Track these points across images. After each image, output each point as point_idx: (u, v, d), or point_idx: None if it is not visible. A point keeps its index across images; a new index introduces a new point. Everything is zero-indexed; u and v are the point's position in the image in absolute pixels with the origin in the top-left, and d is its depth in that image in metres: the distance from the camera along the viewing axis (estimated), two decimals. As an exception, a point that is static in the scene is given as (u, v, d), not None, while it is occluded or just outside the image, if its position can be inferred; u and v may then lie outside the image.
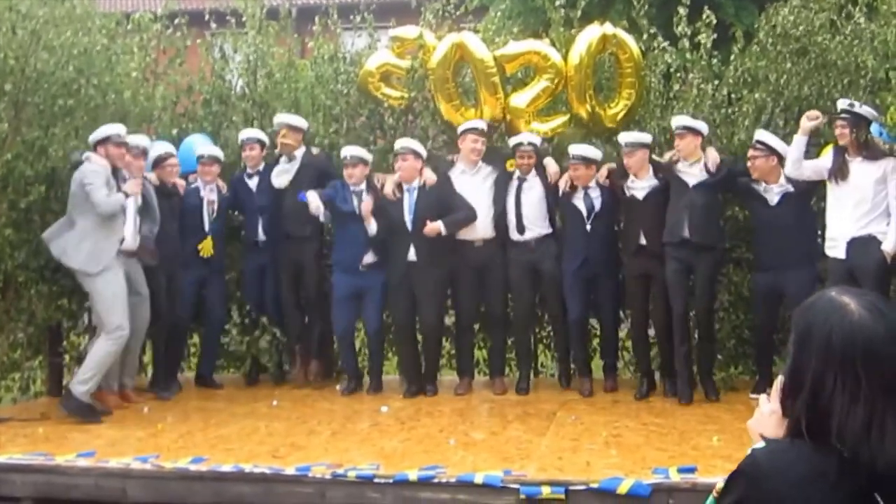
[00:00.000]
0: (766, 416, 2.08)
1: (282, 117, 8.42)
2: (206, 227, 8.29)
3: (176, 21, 9.34)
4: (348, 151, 8.11)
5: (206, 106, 9.28)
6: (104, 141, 7.32)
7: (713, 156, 7.38)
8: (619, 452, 5.95)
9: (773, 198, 7.26)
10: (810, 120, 6.87)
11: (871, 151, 6.81)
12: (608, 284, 7.83)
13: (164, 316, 8.03)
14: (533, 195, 7.87)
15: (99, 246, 7.13)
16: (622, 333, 8.40)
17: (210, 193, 8.34)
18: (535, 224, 7.87)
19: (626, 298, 7.83)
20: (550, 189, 7.85)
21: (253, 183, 8.49)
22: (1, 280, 7.88)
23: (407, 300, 8.02)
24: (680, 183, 7.36)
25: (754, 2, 10.51)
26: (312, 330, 8.56)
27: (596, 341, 8.38)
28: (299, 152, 8.32)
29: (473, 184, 7.96)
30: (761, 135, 7.33)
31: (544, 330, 8.74)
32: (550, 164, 7.90)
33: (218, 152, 8.46)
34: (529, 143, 7.85)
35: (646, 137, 7.67)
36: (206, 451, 6.13)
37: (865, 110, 6.90)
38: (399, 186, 7.96)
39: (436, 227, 7.74)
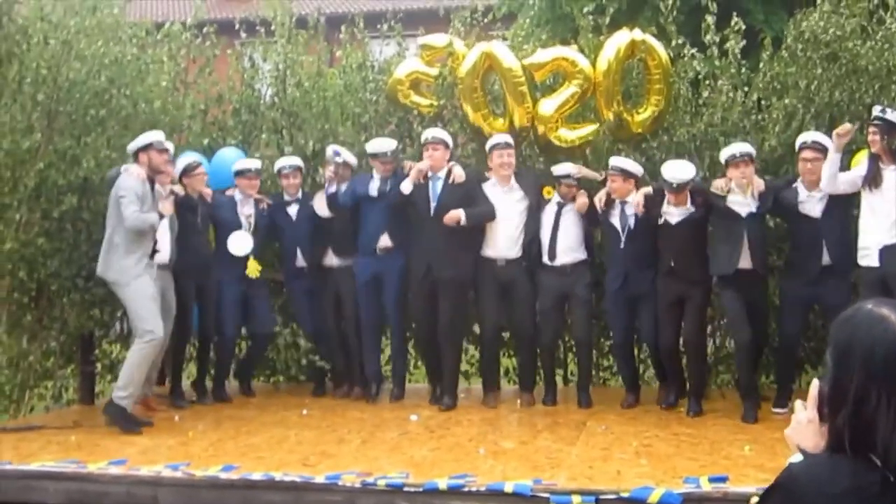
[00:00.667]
0: (803, 425, 2.05)
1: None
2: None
3: (205, 30, 9.40)
4: (377, 147, 8.14)
5: (236, 115, 9.33)
6: (146, 148, 7.31)
7: (759, 183, 7.26)
8: (649, 462, 5.92)
9: (816, 207, 7.14)
10: (841, 136, 6.75)
11: None
12: (651, 305, 7.65)
13: (189, 329, 8.07)
14: (571, 220, 7.82)
15: (130, 256, 7.14)
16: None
17: (248, 208, 8.30)
18: (571, 250, 7.82)
19: (659, 318, 7.59)
20: (585, 215, 7.82)
21: (293, 211, 8.47)
22: (34, 289, 7.97)
23: (426, 293, 8.01)
24: (730, 214, 7.22)
25: (783, 8, 10.45)
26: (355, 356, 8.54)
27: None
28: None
29: (505, 202, 7.92)
30: (817, 136, 7.21)
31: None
32: (579, 195, 7.84)
33: (259, 164, 8.45)
34: (570, 176, 7.82)
35: (691, 172, 7.42)
36: (237, 459, 6.15)
37: None
38: (424, 175, 7.94)
39: (457, 214, 7.71)
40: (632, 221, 7.61)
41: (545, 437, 6.75)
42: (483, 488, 5.34)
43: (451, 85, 8.64)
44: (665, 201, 7.42)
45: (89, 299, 8.10)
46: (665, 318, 7.53)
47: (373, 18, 9.92)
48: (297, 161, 8.53)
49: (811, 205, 7.16)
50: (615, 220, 7.68)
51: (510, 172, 7.93)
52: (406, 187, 7.87)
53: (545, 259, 7.84)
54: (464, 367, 8.89)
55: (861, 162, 7.00)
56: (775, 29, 9.93)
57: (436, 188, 7.94)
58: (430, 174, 7.94)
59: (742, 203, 7.22)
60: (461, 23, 9.40)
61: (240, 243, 8.15)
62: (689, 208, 7.40)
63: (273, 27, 9.47)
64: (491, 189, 7.97)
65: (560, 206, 7.84)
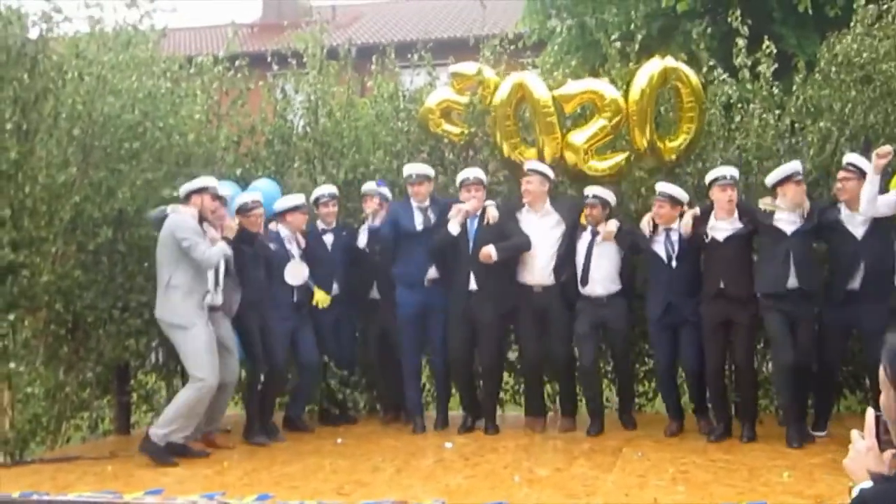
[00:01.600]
0: (862, 454, 2.05)
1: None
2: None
3: (237, 63, 9.49)
4: (413, 169, 8.19)
5: (269, 146, 9.39)
6: (200, 191, 7.33)
7: (807, 204, 7.23)
8: (686, 489, 5.86)
9: (858, 229, 7.08)
10: (881, 157, 6.71)
11: None
12: (694, 332, 7.57)
13: (260, 364, 7.93)
14: (605, 249, 7.78)
15: (190, 298, 7.14)
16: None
17: (294, 244, 8.23)
18: (606, 279, 7.78)
19: (705, 344, 7.51)
20: (626, 243, 7.77)
21: (328, 239, 8.48)
22: (70, 320, 8.03)
23: (466, 332, 8.00)
24: (776, 231, 7.16)
25: (816, 31, 10.41)
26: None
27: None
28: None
29: (539, 226, 7.92)
30: (852, 157, 7.17)
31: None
32: (610, 223, 7.79)
33: (303, 199, 8.37)
34: (595, 196, 7.82)
35: (681, 194, 7.54)
36: (272, 488, 6.14)
37: None
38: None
39: (487, 251, 7.72)
40: (677, 247, 7.55)
41: (581, 463, 6.70)
42: (519, 516, 5.32)
43: (481, 113, 8.67)
44: (712, 215, 7.38)
45: (125, 330, 8.16)
46: (711, 342, 7.44)
47: (403, 48, 9.98)
48: (334, 190, 8.56)
49: (853, 225, 7.10)
50: (659, 248, 7.60)
51: (531, 199, 7.91)
52: (454, 229, 7.88)
53: (580, 287, 7.82)
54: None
55: None
56: (807, 52, 9.88)
57: (471, 228, 7.96)
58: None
59: (788, 221, 7.16)
60: (490, 51, 9.44)
61: (296, 272, 8.11)
62: (736, 221, 7.35)
63: (305, 59, 9.54)
64: (525, 216, 7.98)
65: (594, 235, 7.80)
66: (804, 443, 6.98)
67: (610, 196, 7.87)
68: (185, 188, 7.39)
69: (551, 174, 8.02)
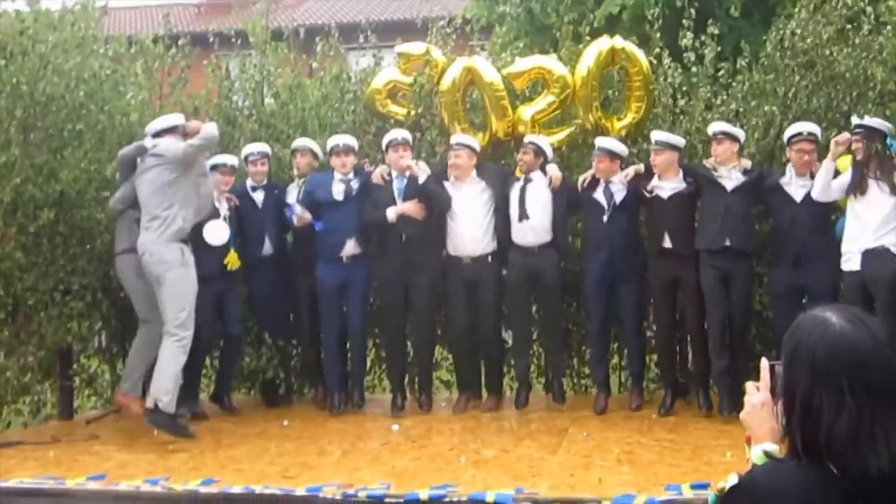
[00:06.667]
0: (757, 408, 2.09)
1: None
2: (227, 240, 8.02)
3: (180, 42, 9.37)
4: (337, 139, 8.13)
5: (214, 127, 9.28)
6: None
7: (746, 162, 7.37)
8: (631, 469, 5.90)
9: (798, 191, 7.16)
10: (839, 144, 6.83)
11: (887, 165, 6.77)
12: (633, 289, 7.65)
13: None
14: (538, 196, 7.74)
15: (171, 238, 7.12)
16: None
17: (224, 205, 8.13)
18: (539, 228, 7.73)
19: (653, 305, 7.65)
20: (556, 194, 7.76)
21: (258, 197, 8.36)
22: (10, 304, 7.90)
23: (399, 300, 8.01)
24: (717, 187, 7.26)
25: (761, 22, 10.50)
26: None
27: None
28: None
29: (466, 195, 7.88)
30: (808, 126, 7.23)
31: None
32: (553, 170, 7.80)
33: (235, 161, 8.31)
34: (530, 143, 7.83)
35: (678, 140, 7.59)
36: (217, 472, 6.10)
37: (879, 123, 6.88)
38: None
39: (411, 204, 7.82)
40: (618, 197, 7.59)
41: (526, 444, 6.73)
42: (465, 498, 5.32)
43: (428, 93, 8.65)
44: (655, 176, 7.45)
45: (67, 313, 8.04)
46: (660, 301, 7.52)
47: (349, 30, 9.91)
48: (264, 148, 8.48)
49: (794, 188, 7.20)
50: (599, 197, 7.64)
51: (459, 173, 7.88)
52: (391, 215, 7.84)
53: (516, 233, 7.77)
54: (445, 376, 8.88)
55: (850, 168, 7.02)
56: (752, 43, 9.96)
57: (402, 185, 7.96)
58: (393, 174, 7.99)
59: (728, 178, 7.26)
60: (439, 34, 9.41)
61: (217, 232, 7.93)
62: (680, 182, 7.42)
63: (251, 39, 9.45)
64: (452, 186, 7.94)
65: (525, 181, 7.79)
66: (734, 411, 7.00)
67: (620, 147, 7.81)
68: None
69: (478, 147, 8.04)
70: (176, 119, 7.45)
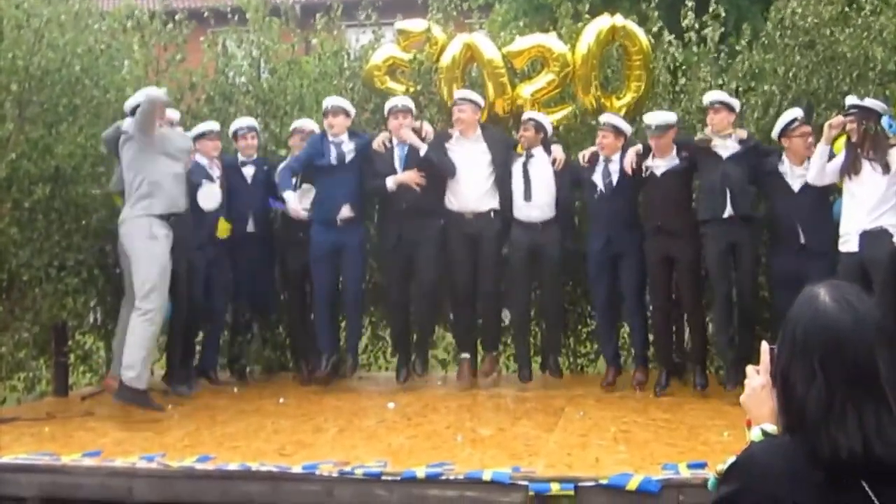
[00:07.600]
0: (757, 391, 2.09)
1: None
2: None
3: (176, 17, 9.30)
4: (330, 101, 8.08)
5: (210, 103, 9.23)
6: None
7: (742, 132, 7.36)
8: (627, 448, 5.90)
9: (796, 181, 7.15)
10: (833, 127, 6.79)
11: (881, 145, 6.74)
12: (633, 267, 7.63)
13: (184, 302, 7.71)
14: (541, 172, 7.75)
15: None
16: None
17: (216, 171, 8.05)
18: (543, 203, 7.74)
19: (649, 284, 7.65)
20: (558, 173, 7.76)
21: (248, 171, 8.30)
22: (5, 279, 7.87)
23: (400, 262, 7.98)
24: (713, 157, 7.24)
25: (762, 0, 10.44)
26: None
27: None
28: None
29: (470, 152, 7.86)
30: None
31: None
32: (557, 150, 7.82)
33: (218, 127, 8.25)
34: (530, 119, 7.81)
35: (672, 117, 7.55)
36: (213, 449, 6.09)
37: (874, 103, 6.84)
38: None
39: (410, 173, 7.79)
40: (615, 177, 7.58)
41: (523, 423, 6.72)
42: (461, 476, 5.31)
43: (427, 70, 8.60)
44: (651, 155, 7.43)
45: (62, 289, 7.99)
46: (656, 278, 7.52)
47: (349, 6, 9.84)
48: (252, 122, 8.44)
49: (792, 178, 7.18)
50: (597, 177, 7.64)
51: (463, 127, 7.87)
52: (391, 184, 7.81)
53: (519, 209, 7.77)
54: (441, 355, 8.86)
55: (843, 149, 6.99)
56: (752, 20, 9.91)
57: (402, 153, 7.93)
58: (394, 142, 7.95)
59: (723, 147, 7.26)
60: (439, 11, 9.35)
61: (210, 196, 7.86)
62: (674, 158, 7.40)
63: (247, 14, 9.38)
64: (455, 144, 7.93)
65: (528, 157, 7.79)
66: (739, 386, 6.99)
67: (625, 125, 7.80)
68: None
69: (482, 102, 8.04)
70: (143, 94, 7.27)
